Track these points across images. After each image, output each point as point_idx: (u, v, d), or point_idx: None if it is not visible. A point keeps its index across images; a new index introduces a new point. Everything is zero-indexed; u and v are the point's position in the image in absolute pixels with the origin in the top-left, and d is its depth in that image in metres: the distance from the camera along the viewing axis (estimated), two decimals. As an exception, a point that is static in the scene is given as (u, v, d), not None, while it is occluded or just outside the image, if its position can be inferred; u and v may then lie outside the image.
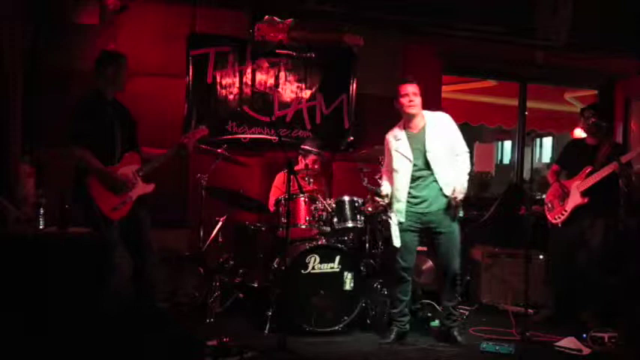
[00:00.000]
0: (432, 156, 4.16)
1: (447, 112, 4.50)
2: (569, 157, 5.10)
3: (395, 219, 4.25)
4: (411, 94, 4.16)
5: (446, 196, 4.16)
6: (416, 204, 4.20)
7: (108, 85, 4.01)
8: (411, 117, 4.22)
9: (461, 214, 4.24)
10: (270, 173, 5.51)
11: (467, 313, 5.16)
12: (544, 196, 5.15)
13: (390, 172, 4.34)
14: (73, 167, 3.90)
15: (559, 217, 4.89)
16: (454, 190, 4.11)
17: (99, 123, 3.89)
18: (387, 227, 5.02)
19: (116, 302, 3.75)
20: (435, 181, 4.17)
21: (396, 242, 4.23)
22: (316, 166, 5.26)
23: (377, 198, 4.33)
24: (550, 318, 4.91)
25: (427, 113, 4.29)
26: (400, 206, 4.23)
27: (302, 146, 5.33)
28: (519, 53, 6.55)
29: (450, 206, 4.16)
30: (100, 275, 3.58)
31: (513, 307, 5.22)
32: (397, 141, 4.26)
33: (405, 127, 4.28)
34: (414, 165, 4.19)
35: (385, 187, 4.35)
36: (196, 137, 4.34)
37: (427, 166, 4.18)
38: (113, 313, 3.63)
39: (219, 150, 4.77)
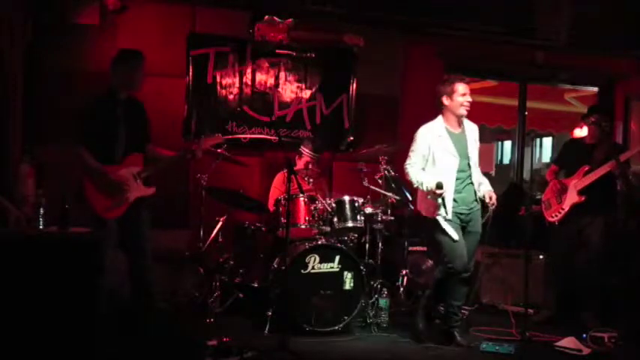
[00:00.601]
0: (473, 159, 4.18)
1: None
2: (567, 157, 5.10)
3: (443, 215, 4.08)
4: (468, 95, 4.13)
5: (476, 199, 4.17)
6: (458, 205, 4.14)
7: (121, 85, 3.94)
8: (459, 117, 4.18)
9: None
10: (270, 173, 5.51)
11: (467, 313, 5.17)
12: (542, 197, 5.15)
13: (420, 166, 4.19)
14: (76, 165, 3.87)
15: (556, 216, 4.89)
16: (491, 197, 4.09)
17: (104, 123, 3.85)
18: (388, 227, 5.05)
19: (113, 302, 3.74)
20: (471, 183, 4.17)
21: (455, 235, 4.05)
22: (310, 166, 5.27)
23: (438, 191, 3.97)
24: (550, 318, 4.91)
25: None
26: (448, 203, 4.08)
27: (301, 147, 5.35)
28: (519, 53, 6.55)
29: (485, 209, 4.17)
30: (99, 275, 3.58)
31: (513, 307, 5.22)
32: (440, 137, 4.15)
33: (447, 125, 4.20)
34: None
35: (431, 177, 4.10)
36: (208, 144, 4.30)
37: (467, 167, 4.16)
38: (112, 312, 3.63)
39: (219, 150, 4.76)
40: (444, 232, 4.08)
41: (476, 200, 4.19)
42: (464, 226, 4.19)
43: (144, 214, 3.99)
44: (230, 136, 5.59)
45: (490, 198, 4.09)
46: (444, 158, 4.13)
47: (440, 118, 4.22)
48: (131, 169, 3.92)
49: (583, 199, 4.73)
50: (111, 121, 3.88)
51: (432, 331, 4.30)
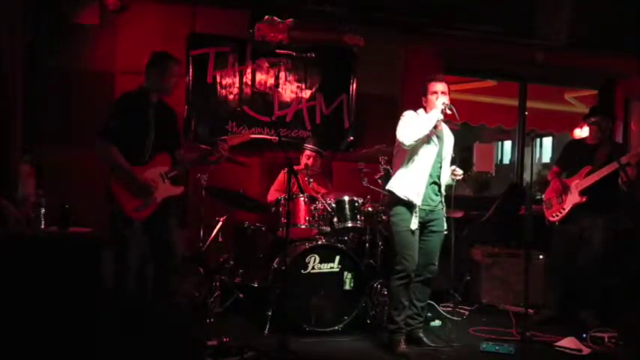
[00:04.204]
0: (446, 159, 4.11)
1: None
2: (569, 158, 5.10)
3: (416, 200, 3.98)
4: (441, 93, 4.01)
5: (441, 200, 4.10)
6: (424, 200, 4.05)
7: (152, 87, 3.94)
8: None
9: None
10: (270, 173, 5.51)
11: (467, 313, 5.17)
12: (544, 196, 5.15)
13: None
14: (105, 164, 3.86)
15: (556, 215, 4.90)
16: (455, 170, 4.01)
17: (134, 123, 3.84)
18: (387, 227, 5.04)
19: (119, 302, 3.75)
20: (438, 183, 4.10)
21: (414, 224, 3.98)
22: (310, 162, 5.26)
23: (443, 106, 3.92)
24: (550, 318, 4.91)
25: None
26: (421, 189, 3.99)
27: (305, 144, 5.35)
28: (519, 53, 6.55)
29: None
30: (100, 275, 3.57)
31: (513, 307, 5.22)
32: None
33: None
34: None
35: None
36: (235, 142, 4.28)
37: (438, 165, 4.08)
38: (115, 312, 3.63)
39: (219, 150, 4.76)
40: (401, 228, 4.00)
41: (441, 201, 4.11)
42: (425, 226, 4.08)
43: (172, 214, 4.00)
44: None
45: (454, 170, 4.02)
46: (425, 144, 4.00)
47: (421, 110, 4.12)
48: (158, 169, 3.92)
49: (584, 199, 4.73)
50: (141, 122, 3.87)
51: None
